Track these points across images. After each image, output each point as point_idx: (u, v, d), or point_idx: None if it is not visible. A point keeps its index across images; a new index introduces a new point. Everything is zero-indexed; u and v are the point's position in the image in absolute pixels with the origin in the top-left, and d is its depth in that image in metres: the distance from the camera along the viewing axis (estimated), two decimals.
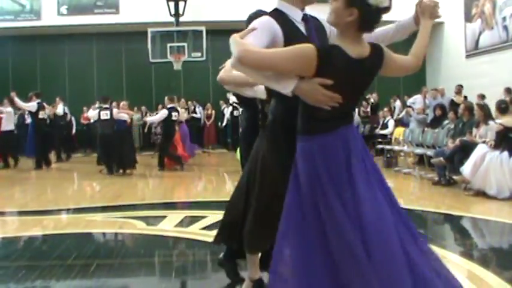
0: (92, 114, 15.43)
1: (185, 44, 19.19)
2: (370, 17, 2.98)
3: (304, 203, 2.95)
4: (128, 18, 21.87)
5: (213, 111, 22.34)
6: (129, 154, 14.39)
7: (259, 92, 3.85)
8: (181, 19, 19.85)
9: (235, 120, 18.81)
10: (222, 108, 21.81)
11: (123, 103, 15.17)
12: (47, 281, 4.98)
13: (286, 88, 2.93)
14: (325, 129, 2.98)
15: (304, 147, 3.00)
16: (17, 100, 14.97)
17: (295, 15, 3.38)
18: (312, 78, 2.89)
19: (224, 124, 21.53)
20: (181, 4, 19.84)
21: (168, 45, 19.18)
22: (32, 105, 15.30)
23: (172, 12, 19.89)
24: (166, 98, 15.05)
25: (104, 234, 6.92)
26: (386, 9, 2.99)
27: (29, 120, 16.95)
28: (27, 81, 22.29)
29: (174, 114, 14.37)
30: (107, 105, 14.44)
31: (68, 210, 8.86)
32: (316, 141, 2.97)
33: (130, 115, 15.06)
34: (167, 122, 14.44)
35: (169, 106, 14.55)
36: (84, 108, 21.62)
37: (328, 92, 2.87)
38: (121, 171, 13.93)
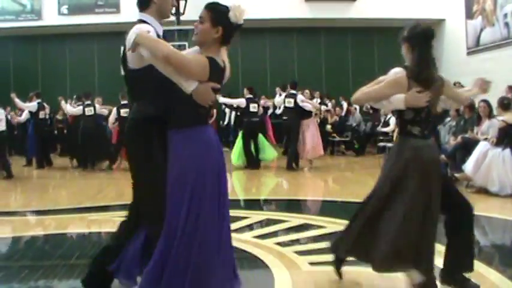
0: (74, 110, 15.60)
1: (186, 43, 19.11)
2: (231, 33, 3.85)
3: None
4: (128, 17, 21.57)
5: (214, 110, 22.27)
6: (106, 147, 15.19)
7: (395, 102, 4.22)
8: (182, 18, 19.82)
9: (237, 119, 18.74)
10: (223, 107, 21.77)
11: (97, 99, 16.04)
12: (50, 281, 5.00)
13: (190, 87, 3.56)
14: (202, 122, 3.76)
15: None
16: (17, 101, 14.98)
17: (159, 29, 4.06)
18: (207, 82, 3.59)
19: (226, 123, 21.47)
20: (182, 3, 19.81)
21: (169, 44, 19.12)
22: (33, 106, 15.29)
23: (173, 11, 19.87)
24: None
25: (106, 233, 6.91)
26: (241, 26, 3.86)
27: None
28: (29, 81, 22.30)
29: None
30: (89, 102, 15.55)
31: (70, 210, 8.86)
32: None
33: (109, 110, 15.52)
34: None
35: None
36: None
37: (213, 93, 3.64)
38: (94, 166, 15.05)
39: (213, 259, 3.63)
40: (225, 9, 3.81)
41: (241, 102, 14.98)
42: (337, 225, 6.69)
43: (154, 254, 3.59)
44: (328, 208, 8.16)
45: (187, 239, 3.52)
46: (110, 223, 7.40)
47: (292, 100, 13.73)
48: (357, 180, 11.69)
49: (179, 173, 3.62)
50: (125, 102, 14.32)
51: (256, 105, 14.68)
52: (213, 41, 3.76)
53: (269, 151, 14.55)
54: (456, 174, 10.04)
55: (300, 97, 13.71)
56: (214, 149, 3.75)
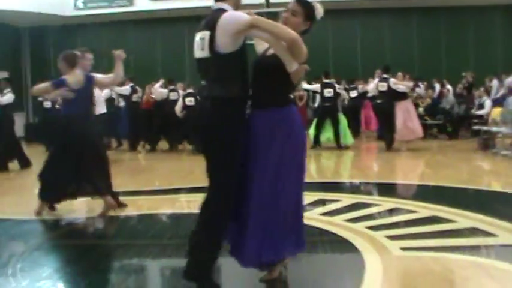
0: (163, 91, 15.99)
1: None
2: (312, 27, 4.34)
3: None
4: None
5: (305, 93, 22.09)
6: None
7: None
8: (271, 0, 19.81)
9: None
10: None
11: (179, 85, 16.19)
12: (143, 259, 5.12)
13: (293, 67, 3.94)
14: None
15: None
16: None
17: None
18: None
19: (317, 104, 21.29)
20: None
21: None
22: (126, 89, 15.69)
23: None
24: None
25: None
26: None
27: (122, 103, 17.37)
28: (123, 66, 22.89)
29: None
30: (173, 87, 16.10)
31: (162, 191, 9.06)
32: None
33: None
34: None
35: None
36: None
37: None
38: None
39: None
40: (313, 7, 4.33)
41: (316, 87, 15.36)
42: (429, 210, 6.57)
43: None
44: (420, 192, 8.00)
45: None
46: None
47: (385, 84, 13.86)
48: (450, 164, 11.39)
49: (297, 145, 4.08)
50: (190, 91, 14.59)
51: (331, 89, 14.82)
52: (299, 32, 4.04)
53: (346, 137, 14.91)
54: None
55: (392, 80, 13.80)
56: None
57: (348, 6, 22.55)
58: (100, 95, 12.69)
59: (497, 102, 16.40)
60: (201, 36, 4.13)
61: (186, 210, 7.38)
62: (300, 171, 4.10)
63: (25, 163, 12.47)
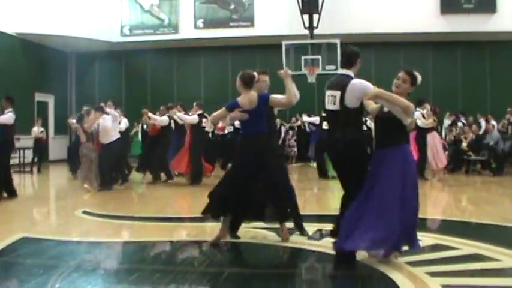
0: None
1: (319, 57, 19.19)
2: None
3: None
4: (262, 31, 22.25)
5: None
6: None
7: None
8: (315, 32, 19.92)
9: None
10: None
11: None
12: (180, 286, 5.12)
13: (407, 122, 5.66)
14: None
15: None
16: (151, 115, 14.97)
17: None
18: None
19: None
20: (315, 17, 19.92)
21: (302, 57, 19.27)
22: (193, 118, 15.22)
23: (307, 24, 20.01)
24: None
25: (236, 243, 7.00)
26: None
27: None
28: (165, 93, 23.22)
29: None
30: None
31: (199, 219, 9.06)
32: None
33: None
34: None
35: None
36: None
37: None
38: None
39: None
40: (417, 76, 5.92)
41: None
42: (471, 247, 6.44)
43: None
44: (462, 229, 7.86)
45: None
46: (240, 233, 7.50)
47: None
48: (493, 201, 11.19)
49: (411, 175, 5.66)
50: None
51: None
52: (406, 94, 5.76)
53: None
54: None
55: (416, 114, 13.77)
56: None
57: (392, 39, 22.51)
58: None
59: None
60: (331, 94, 5.79)
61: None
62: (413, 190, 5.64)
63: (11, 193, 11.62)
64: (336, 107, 5.70)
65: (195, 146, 14.40)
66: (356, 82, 5.67)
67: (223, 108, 6.97)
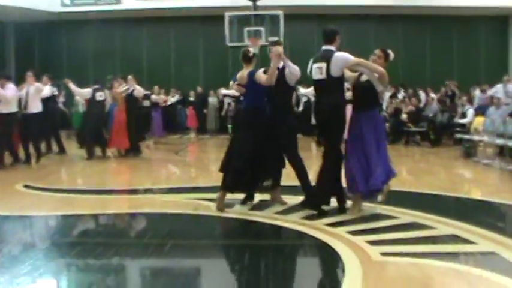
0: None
1: (262, 29, 19.18)
2: None
3: None
4: (206, 2, 22.03)
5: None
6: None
7: None
8: (258, 3, 19.84)
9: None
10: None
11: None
12: (123, 258, 5.12)
13: (380, 88, 6.88)
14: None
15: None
16: (71, 86, 14.01)
17: None
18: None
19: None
20: None
21: (245, 29, 19.22)
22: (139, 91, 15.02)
23: None
24: None
25: (179, 215, 7.01)
26: None
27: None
28: (107, 65, 22.88)
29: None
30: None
31: (144, 191, 9.05)
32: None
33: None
34: None
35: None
36: (162, 91, 22.02)
37: None
38: None
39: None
40: (389, 53, 7.04)
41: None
42: (410, 216, 6.62)
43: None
44: (401, 198, 8.04)
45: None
46: (182, 205, 7.52)
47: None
48: (431, 171, 11.46)
49: (376, 130, 6.85)
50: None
51: None
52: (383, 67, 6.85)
53: None
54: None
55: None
56: None
57: (335, 11, 22.64)
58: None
59: (480, 111, 16.51)
60: (318, 66, 6.80)
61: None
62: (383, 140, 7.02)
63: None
64: (323, 76, 6.75)
65: (131, 119, 14.16)
66: (339, 54, 6.75)
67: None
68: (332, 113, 6.76)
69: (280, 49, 6.91)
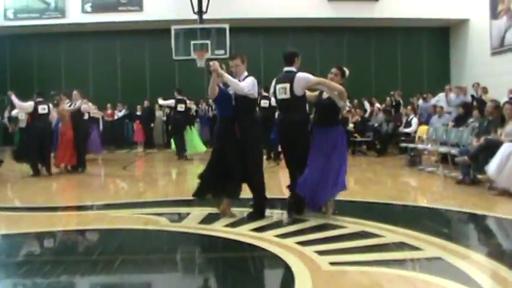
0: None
1: (208, 42, 19.22)
2: None
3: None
4: (151, 15, 21.99)
5: None
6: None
7: None
8: (204, 16, 19.88)
9: None
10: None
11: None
12: (72, 276, 5.03)
13: (341, 104, 7.31)
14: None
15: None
16: (13, 98, 13.49)
17: None
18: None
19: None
20: (204, 1, 19.86)
21: (192, 42, 19.24)
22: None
23: (196, 9, 19.92)
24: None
25: (128, 230, 6.95)
26: None
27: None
28: (51, 79, 22.54)
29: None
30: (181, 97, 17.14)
31: (92, 206, 8.94)
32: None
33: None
34: None
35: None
36: (108, 105, 21.90)
37: None
38: None
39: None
40: (345, 71, 7.51)
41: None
42: (358, 225, 6.70)
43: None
44: (349, 208, 8.14)
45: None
46: (131, 220, 7.46)
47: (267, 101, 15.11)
48: (378, 181, 11.64)
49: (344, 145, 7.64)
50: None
51: (183, 105, 17.06)
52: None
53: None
54: (479, 176, 9.96)
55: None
56: None
57: (280, 24, 22.84)
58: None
59: (423, 120, 16.87)
60: (282, 86, 7.24)
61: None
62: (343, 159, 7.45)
63: None
64: (287, 96, 7.19)
65: (78, 134, 14.03)
66: (300, 75, 7.18)
67: None
68: (297, 130, 7.24)
69: (215, 64, 7.14)
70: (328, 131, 7.28)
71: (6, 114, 17.82)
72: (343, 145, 7.56)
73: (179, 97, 17.16)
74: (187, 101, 17.53)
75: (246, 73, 7.40)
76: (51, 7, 22.76)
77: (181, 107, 16.97)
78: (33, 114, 13.38)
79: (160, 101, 18.35)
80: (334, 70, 7.43)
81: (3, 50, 24.32)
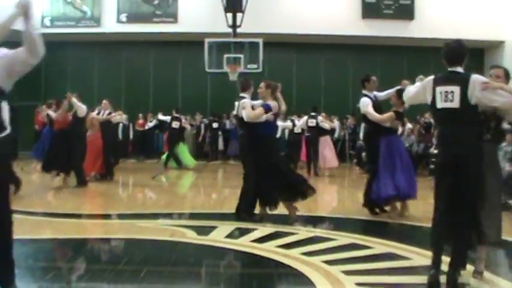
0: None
1: (242, 56, 19.27)
2: None
3: None
4: (185, 27, 22.11)
5: None
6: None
7: None
8: (238, 30, 19.95)
9: None
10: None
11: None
12: (98, 284, 5.05)
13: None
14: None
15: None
16: (74, 100, 12.88)
17: None
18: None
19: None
20: (239, 15, 19.94)
21: (225, 55, 19.30)
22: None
23: (230, 23, 20.01)
24: None
25: (154, 241, 6.97)
26: None
27: None
28: (85, 87, 22.77)
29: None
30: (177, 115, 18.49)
31: (119, 216, 8.98)
32: None
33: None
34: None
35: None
36: (140, 115, 22.07)
37: None
38: None
39: None
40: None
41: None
42: (385, 246, 6.62)
43: None
44: (377, 228, 8.06)
45: None
46: (158, 231, 7.48)
47: (314, 120, 16.37)
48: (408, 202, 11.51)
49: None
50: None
51: (178, 123, 18.54)
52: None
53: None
54: (510, 201, 9.81)
55: (319, 118, 16.59)
56: None
57: (313, 40, 22.84)
58: None
59: None
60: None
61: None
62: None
63: None
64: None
65: (108, 143, 14.09)
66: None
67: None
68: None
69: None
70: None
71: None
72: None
73: (175, 115, 18.61)
74: (183, 120, 19.05)
75: (270, 101, 8.19)
76: (87, 16, 23.04)
77: (175, 124, 18.44)
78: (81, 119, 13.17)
79: (160, 116, 19.89)
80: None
81: None
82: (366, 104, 9.26)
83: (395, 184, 8.44)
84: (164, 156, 18.88)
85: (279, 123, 17.16)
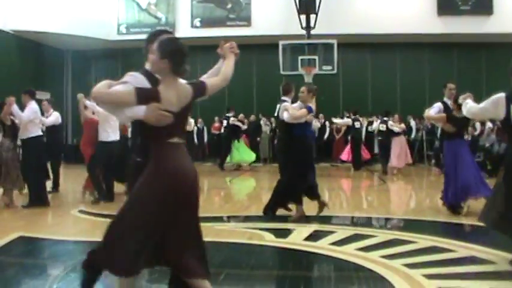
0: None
1: (316, 57, 19.19)
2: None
3: None
4: (259, 30, 22.24)
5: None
6: None
7: None
8: (312, 32, 19.91)
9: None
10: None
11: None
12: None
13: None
14: None
15: None
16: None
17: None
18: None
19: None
20: (312, 17, 19.91)
21: (299, 57, 19.27)
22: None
23: (304, 25, 20.00)
24: None
25: (233, 244, 7.01)
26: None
27: None
28: None
29: None
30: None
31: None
32: None
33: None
34: None
35: None
36: (216, 118, 22.29)
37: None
38: None
39: None
40: None
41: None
42: (468, 249, 6.46)
43: None
44: (459, 231, 7.88)
45: None
46: (236, 234, 7.53)
47: (384, 125, 17.52)
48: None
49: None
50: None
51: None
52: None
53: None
54: None
55: (390, 122, 17.37)
56: None
57: (388, 40, 22.55)
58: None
59: None
60: None
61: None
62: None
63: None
64: None
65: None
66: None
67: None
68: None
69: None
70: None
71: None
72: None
73: (226, 115, 19.99)
74: (231, 118, 19.79)
75: (311, 103, 8.71)
76: (162, 22, 23.48)
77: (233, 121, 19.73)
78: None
79: (337, 120, 20.13)
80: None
81: (115, 63, 25.25)
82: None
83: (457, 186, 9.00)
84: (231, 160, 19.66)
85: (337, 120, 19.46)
